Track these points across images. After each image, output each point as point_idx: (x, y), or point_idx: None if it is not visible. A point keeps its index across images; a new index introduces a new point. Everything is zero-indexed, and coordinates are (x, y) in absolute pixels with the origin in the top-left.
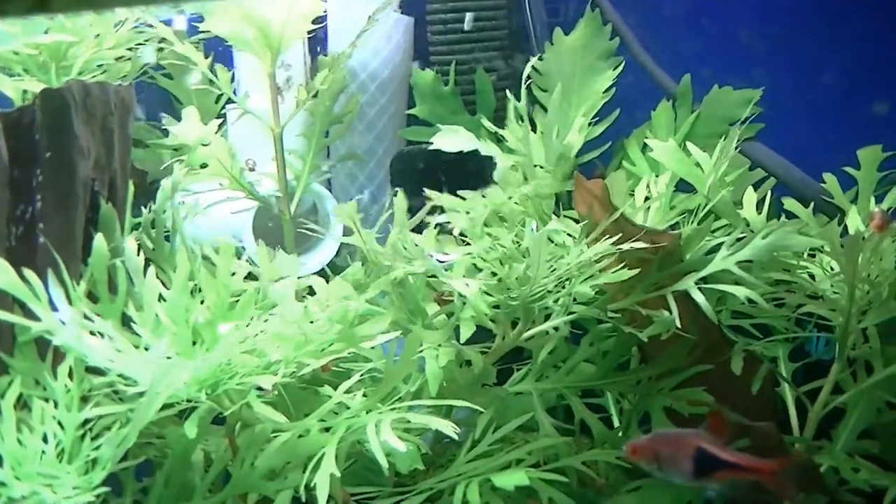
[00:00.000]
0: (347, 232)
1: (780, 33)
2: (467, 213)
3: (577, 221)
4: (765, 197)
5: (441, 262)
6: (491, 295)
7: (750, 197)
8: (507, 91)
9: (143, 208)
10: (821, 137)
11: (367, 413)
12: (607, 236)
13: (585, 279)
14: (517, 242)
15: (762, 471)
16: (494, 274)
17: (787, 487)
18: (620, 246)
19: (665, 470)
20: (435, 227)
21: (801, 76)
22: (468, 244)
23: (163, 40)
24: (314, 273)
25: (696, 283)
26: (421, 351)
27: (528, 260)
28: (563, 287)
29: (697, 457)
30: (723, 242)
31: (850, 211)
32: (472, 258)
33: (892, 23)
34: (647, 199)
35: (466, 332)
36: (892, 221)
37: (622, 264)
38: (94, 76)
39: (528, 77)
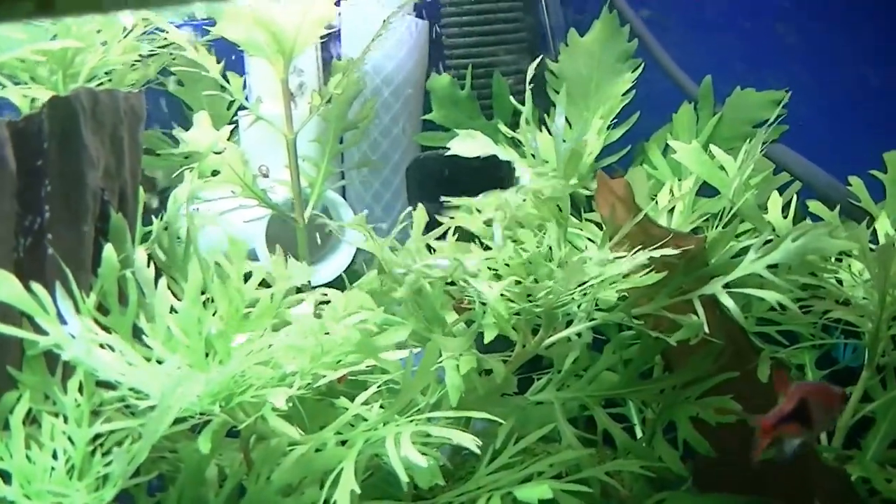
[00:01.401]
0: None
1: (803, 33)
2: (486, 220)
3: (598, 226)
4: (790, 201)
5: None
6: (513, 301)
7: (775, 201)
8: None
9: (153, 217)
10: (844, 140)
11: (384, 425)
12: (631, 239)
13: (610, 284)
14: (539, 247)
15: None
16: (518, 282)
17: None
18: (646, 250)
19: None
20: (454, 235)
21: (825, 77)
22: (488, 249)
23: (174, 46)
24: (329, 282)
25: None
26: (440, 361)
27: (556, 277)
28: (586, 293)
29: None
30: (748, 246)
31: (878, 215)
32: (493, 264)
33: None
34: (669, 201)
35: (489, 336)
36: None
37: (647, 268)
38: (102, 83)
39: (534, 79)
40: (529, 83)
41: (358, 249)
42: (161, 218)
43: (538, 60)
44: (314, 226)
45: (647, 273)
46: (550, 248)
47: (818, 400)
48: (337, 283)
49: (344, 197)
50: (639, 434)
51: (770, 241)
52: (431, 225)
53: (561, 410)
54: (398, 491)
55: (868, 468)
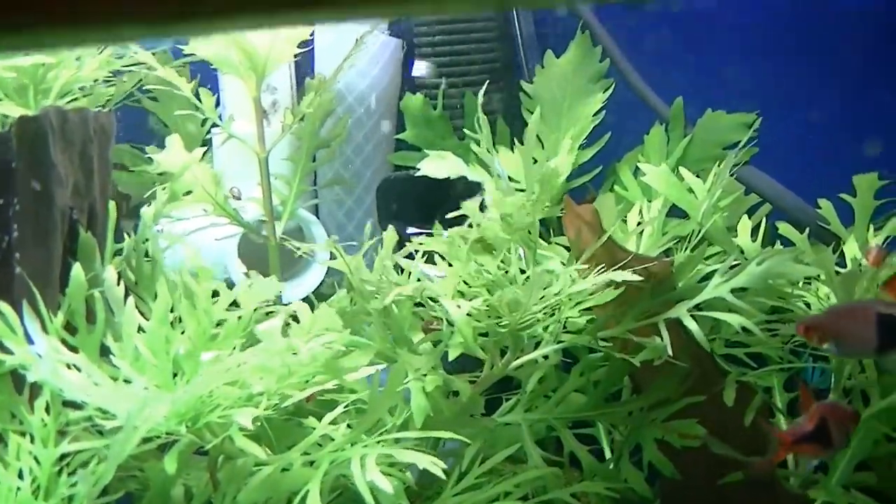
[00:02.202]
0: (333, 259)
1: (773, 56)
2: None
3: (567, 248)
4: (760, 223)
5: (429, 276)
6: (479, 321)
7: (745, 224)
8: (498, 115)
9: (125, 234)
10: (814, 163)
11: (351, 446)
12: (597, 262)
13: (575, 305)
14: (504, 269)
15: None
16: (484, 301)
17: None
18: (611, 273)
19: (843, 346)
20: (423, 256)
21: (795, 100)
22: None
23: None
24: (299, 300)
25: (689, 312)
26: (407, 382)
27: (521, 288)
28: (553, 313)
29: (882, 325)
30: (716, 270)
31: (847, 238)
32: (457, 284)
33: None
34: (639, 223)
35: (453, 354)
36: (889, 255)
37: (612, 288)
38: (76, 99)
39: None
40: (493, 104)
41: (329, 268)
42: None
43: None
44: (286, 244)
45: (612, 291)
46: (517, 270)
47: (837, 419)
48: (308, 302)
49: (317, 215)
50: (608, 455)
51: (737, 265)
52: (402, 244)
53: (528, 432)
54: None
55: (832, 493)
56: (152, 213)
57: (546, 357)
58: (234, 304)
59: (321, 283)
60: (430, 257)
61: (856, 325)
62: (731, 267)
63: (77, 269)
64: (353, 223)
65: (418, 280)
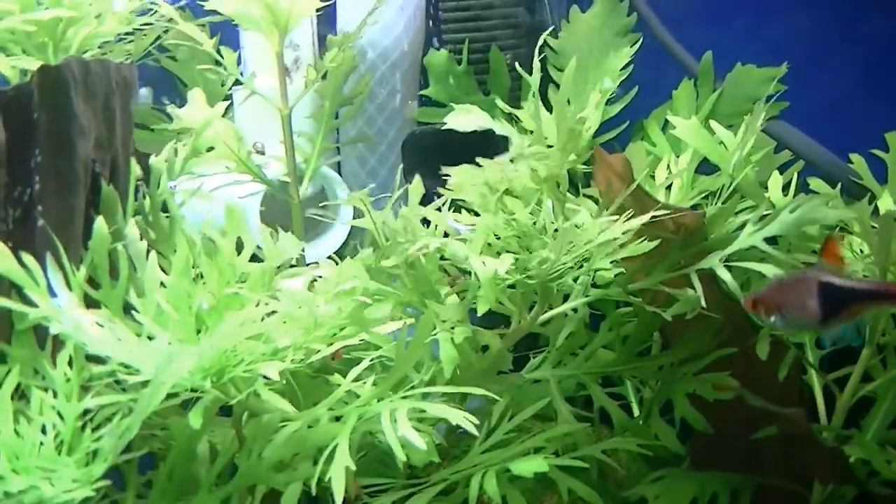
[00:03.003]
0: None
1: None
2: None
3: (596, 202)
4: (791, 179)
5: (457, 229)
6: (508, 275)
7: (776, 179)
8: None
9: (146, 192)
10: (847, 118)
11: (378, 402)
12: (628, 212)
13: (606, 256)
14: (533, 220)
15: None
16: (509, 251)
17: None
18: (642, 220)
19: (788, 317)
20: (449, 208)
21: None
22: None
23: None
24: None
25: (722, 263)
26: (435, 333)
27: (549, 242)
28: (582, 266)
29: (824, 293)
30: (747, 221)
31: (881, 193)
32: (486, 235)
33: None
34: (668, 176)
35: (482, 308)
36: None
37: (642, 239)
38: (96, 56)
39: (542, 54)
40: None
41: (353, 227)
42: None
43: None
44: (309, 202)
45: (644, 243)
46: (546, 220)
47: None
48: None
49: (339, 173)
50: (635, 412)
51: (768, 214)
52: (427, 199)
53: (557, 388)
54: (392, 470)
55: (868, 449)
56: (164, 162)
57: (575, 311)
58: (258, 261)
59: (345, 244)
60: (458, 210)
61: (799, 296)
62: (763, 217)
63: (100, 223)
64: (376, 181)
65: (445, 234)
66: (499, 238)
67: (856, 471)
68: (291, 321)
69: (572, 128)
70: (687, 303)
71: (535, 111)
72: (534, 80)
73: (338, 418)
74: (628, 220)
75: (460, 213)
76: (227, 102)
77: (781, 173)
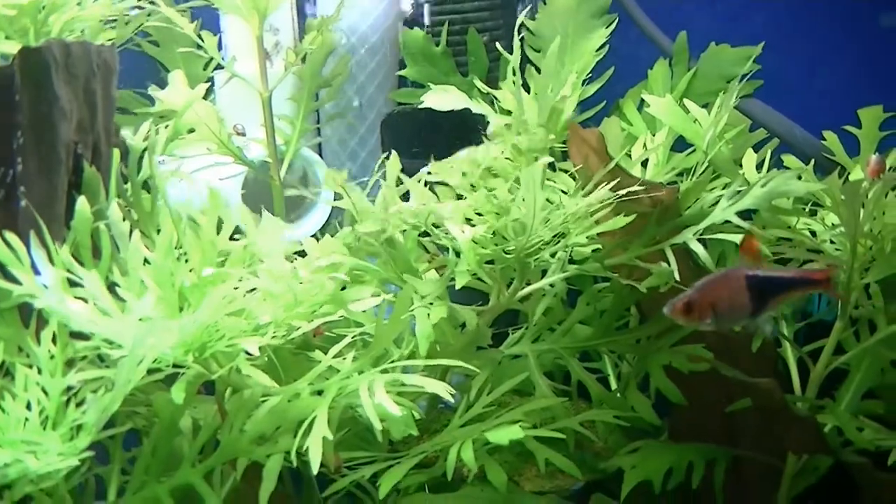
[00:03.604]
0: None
1: None
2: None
3: (573, 178)
4: (765, 157)
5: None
6: (485, 248)
7: (750, 156)
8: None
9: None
10: (819, 96)
11: (358, 374)
12: (603, 185)
13: (582, 231)
14: (512, 197)
15: (818, 279)
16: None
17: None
18: (617, 195)
19: (721, 316)
20: (426, 185)
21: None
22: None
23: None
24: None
25: (696, 237)
26: (413, 310)
27: (523, 205)
28: (560, 241)
29: (752, 286)
30: (722, 196)
31: (852, 168)
32: (465, 211)
33: None
34: (643, 153)
35: (461, 281)
36: (889, 169)
37: (619, 215)
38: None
39: (521, 34)
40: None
41: (333, 209)
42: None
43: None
44: (290, 183)
45: (620, 218)
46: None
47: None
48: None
49: (320, 155)
50: (613, 386)
51: (741, 190)
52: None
53: (535, 363)
54: (374, 446)
55: (841, 418)
56: (142, 142)
57: (552, 286)
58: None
59: (326, 224)
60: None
61: (730, 293)
62: (737, 192)
63: (82, 203)
64: (356, 164)
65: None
66: (479, 214)
67: (830, 440)
68: (272, 298)
69: (554, 106)
70: (661, 276)
71: (515, 90)
72: (514, 58)
73: (319, 393)
74: (605, 195)
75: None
76: (208, 85)
77: (756, 151)
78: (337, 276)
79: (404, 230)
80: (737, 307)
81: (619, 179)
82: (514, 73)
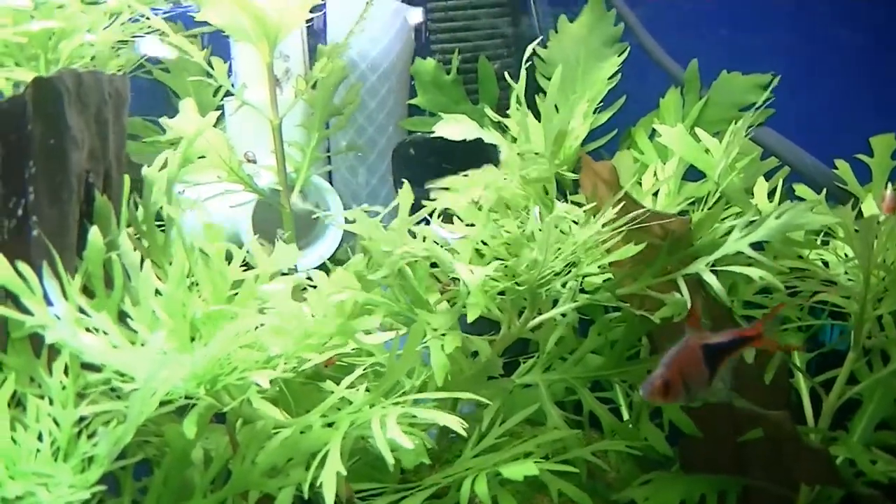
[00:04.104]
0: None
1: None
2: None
3: (580, 206)
4: (777, 185)
5: (446, 237)
6: (497, 281)
7: (761, 185)
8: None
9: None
10: (831, 125)
11: (370, 408)
12: (615, 217)
13: (593, 261)
14: (521, 228)
15: (753, 335)
16: (499, 259)
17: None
18: (628, 225)
19: (692, 389)
20: (438, 216)
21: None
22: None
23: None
24: (315, 268)
25: (708, 268)
26: (425, 341)
27: (536, 244)
28: (570, 271)
29: (706, 356)
30: (734, 227)
31: (865, 198)
32: (475, 244)
33: None
34: (655, 183)
35: (472, 315)
36: None
37: (629, 244)
38: (86, 67)
39: (529, 61)
40: (507, 68)
41: (344, 235)
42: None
43: (533, 45)
44: (300, 211)
45: (631, 247)
46: (534, 228)
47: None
48: (323, 270)
49: (330, 182)
50: (625, 416)
51: (754, 221)
52: (417, 208)
53: (547, 393)
54: (385, 475)
55: (853, 449)
56: (157, 173)
57: (564, 316)
58: (250, 269)
59: (337, 251)
60: (446, 218)
61: (694, 366)
62: (750, 223)
63: (95, 233)
64: (366, 191)
65: (435, 242)
66: (487, 245)
67: (842, 472)
68: (282, 332)
69: (560, 132)
70: (674, 307)
71: (521, 118)
72: (520, 86)
73: (330, 424)
74: (615, 224)
75: (452, 222)
76: (219, 112)
77: (767, 179)
78: (348, 310)
79: (415, 261)
80: (700, 378)
81: (629, 210)
82: (520, 102)
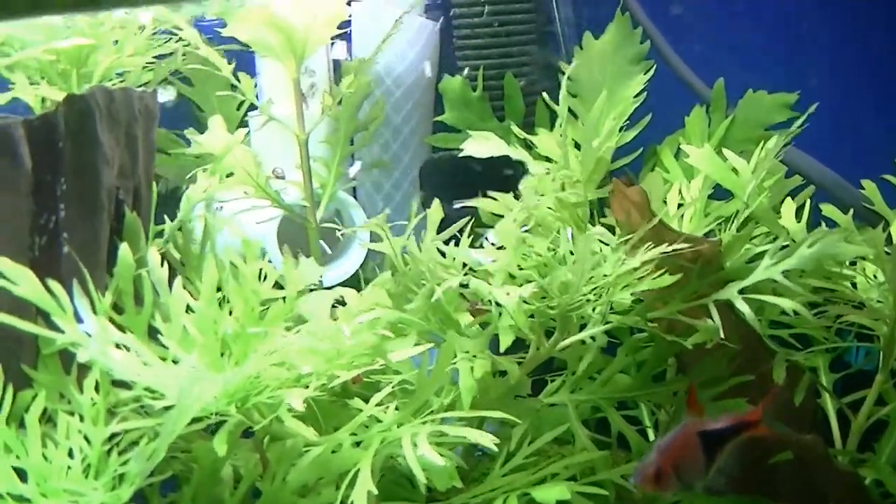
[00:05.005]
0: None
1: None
2: (501, 216)
3: (612, 230)
4: (803, 204)
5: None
6: (529, 303)
7: (788, 204)
8: (538, 95)
9: (164, 217)
10: (857, 144)
11: (399, 426)
12: (646, 243)
13: (624, 287)
14: (553, 250)
15: (752, 421)
16: (531, 282)
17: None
18: (661, 252)
19: (686, 477)
20: (469, 236)
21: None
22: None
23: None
24: (340, 283)
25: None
26: (454, 362)
27: (571, 267)
28: (602, 296)
29: (704, 443)
30: (763, 251)
31: (893, 219)
32: (507, 266)
33: None
34: (680, 205)
35: (506, 341)
36: None
37: (662, 271)
38: (114, 83)
39: (559, 81)
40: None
41: (369, 251)
42: (174, 218)
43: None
44: (326, 226)
45: (662, 275)
46: (566, 251)
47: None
48: (349, 285)
49: (355, 198)
50: (651, 437)
51: (786, 246)
52: (445, 226)
53: (574, 413)
54: (412, 493)
55: (882, 471)
56: (200, 192)
57: (593, 339)
58: (278, 286)
59: (362, 266)
60: (475, 237)
61: (690, 453)
62: (781, 248)
63: (125, 250)
64: (391, 206)
65: (464, 265)
66: (521, 269)
67: (870, 494)
68: (314, 352)
69: (600, 158)
70: (706, 332)
71: (562, 141)
72: (561, 109)
73: (359, 443)
74: (647, 251)
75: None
76: (246, 129)
77: (793, 198)
78: (377, 328)
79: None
80: (696, 466)
81: (661, 236)
82: (560, 125)
